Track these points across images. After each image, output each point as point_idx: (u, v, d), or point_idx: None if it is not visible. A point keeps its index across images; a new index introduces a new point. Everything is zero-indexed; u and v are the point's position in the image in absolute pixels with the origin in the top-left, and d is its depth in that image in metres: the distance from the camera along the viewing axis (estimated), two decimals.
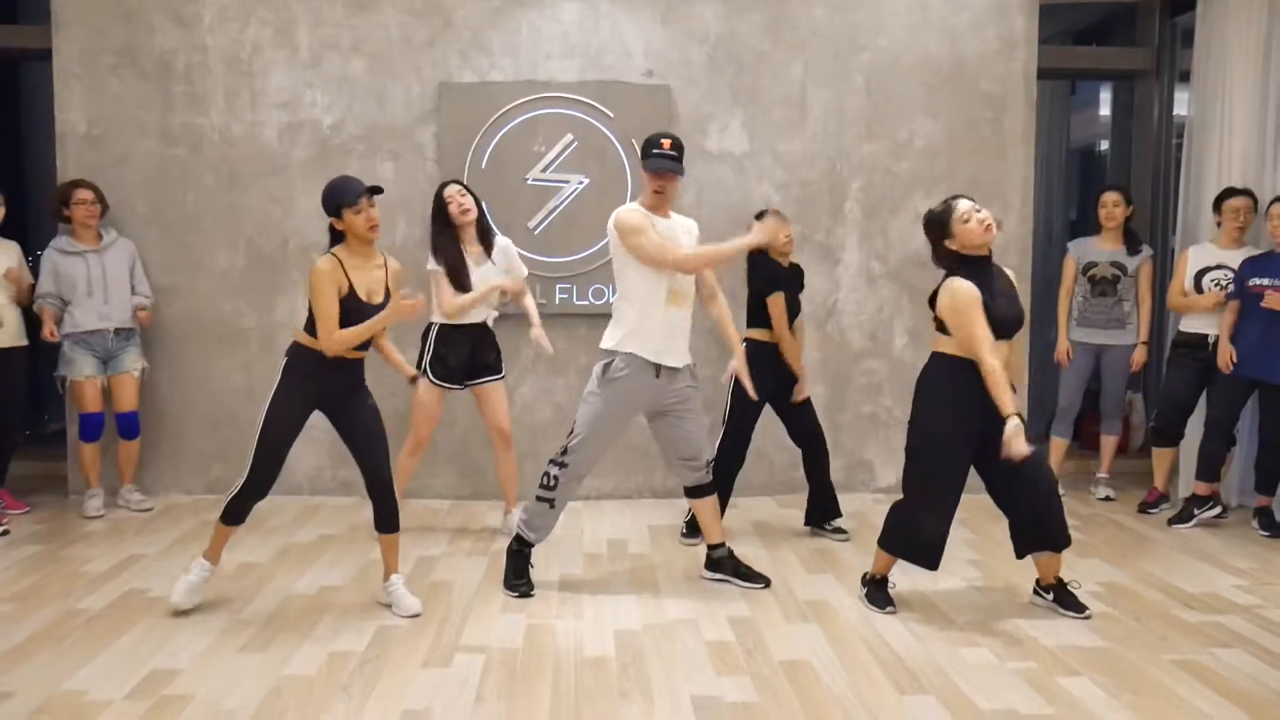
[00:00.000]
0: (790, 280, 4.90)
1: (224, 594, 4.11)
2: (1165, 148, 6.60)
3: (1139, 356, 5.62)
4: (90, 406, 5.31)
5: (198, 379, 5.71)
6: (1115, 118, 7.06)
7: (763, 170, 5.74)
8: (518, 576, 4.19)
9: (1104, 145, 7.63)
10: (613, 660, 3.49)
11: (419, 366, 4.79)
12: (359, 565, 4.53)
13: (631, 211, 4.04)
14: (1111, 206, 5.63)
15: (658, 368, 4.06)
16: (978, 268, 3.74)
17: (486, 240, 4.82)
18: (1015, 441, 3.55)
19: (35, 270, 5.48)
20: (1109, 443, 5.86)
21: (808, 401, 5.00)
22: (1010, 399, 3.62)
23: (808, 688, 3.27)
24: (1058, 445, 5.79)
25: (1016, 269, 5.70)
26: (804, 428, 5.02)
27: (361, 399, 3.94)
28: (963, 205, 3.74)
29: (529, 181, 5.62)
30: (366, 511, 5.34)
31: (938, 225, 3.79)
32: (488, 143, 5.59)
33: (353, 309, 3.74)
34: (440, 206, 4.74)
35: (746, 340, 4.81)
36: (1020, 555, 3.95)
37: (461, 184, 4.83)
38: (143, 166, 5.65)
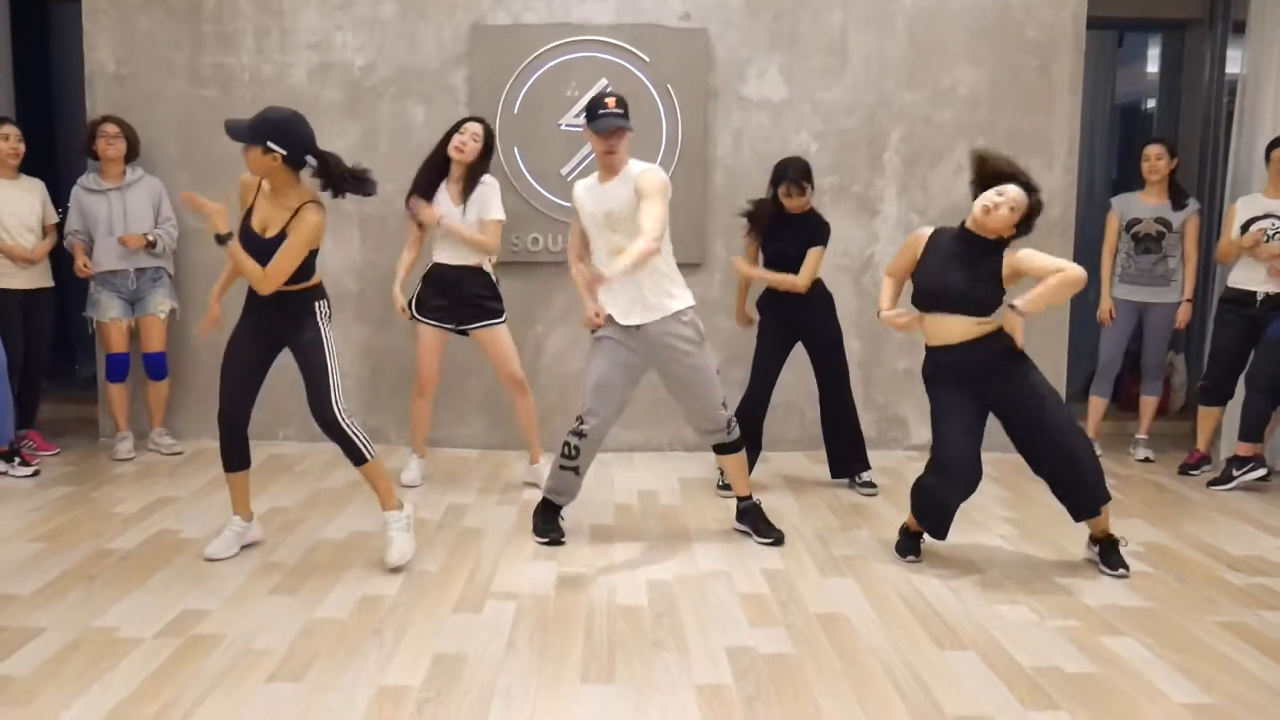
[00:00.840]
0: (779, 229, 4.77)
1: None
2: (1215, 102, 6.41)
3: (1183, 314, 5.48)
4: (116, 347, 5.29)
5: (229, 321, 5.59)
6: (1164, 71, 6.86)
7: (801, 118, 5.60)
8: (548, 524, 4.15)
9: (1150, 103, 7.42)
10: (646, 610, 3.44)
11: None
12: None
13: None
14: (1154, 159, 5.47)
15: (623, 326, 3.98)
16: (966, 240, 3.75)
17: (468, 187, 4.66)
18: None
19: (61, 211, 5.45)
20: (1149, 403, 5.74)
21: (836, 346, 4.87)
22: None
23: (845, 641, 3.21)
24: (1096, 405, 5.67)
25: (1060, 220, 5.59)
26: (825, 373, 4.90)
27: (301, 333, 3.72)
28: (983, 198, 3.71)
29: (562, 127, 5.51)
30: (395, 458, 5.38)
31: (978, 178, 3.83)
32: (520, 87, 5.48)
33: (241, 237, 3.62)
34: (448, 134, 4.67)
35: (767, 290, 4.84)
36: (1077, 519, 3.89)
37: (484, 125, 4.68)
38: (173, 107, 5.58)
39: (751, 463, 4.74)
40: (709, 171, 5.57)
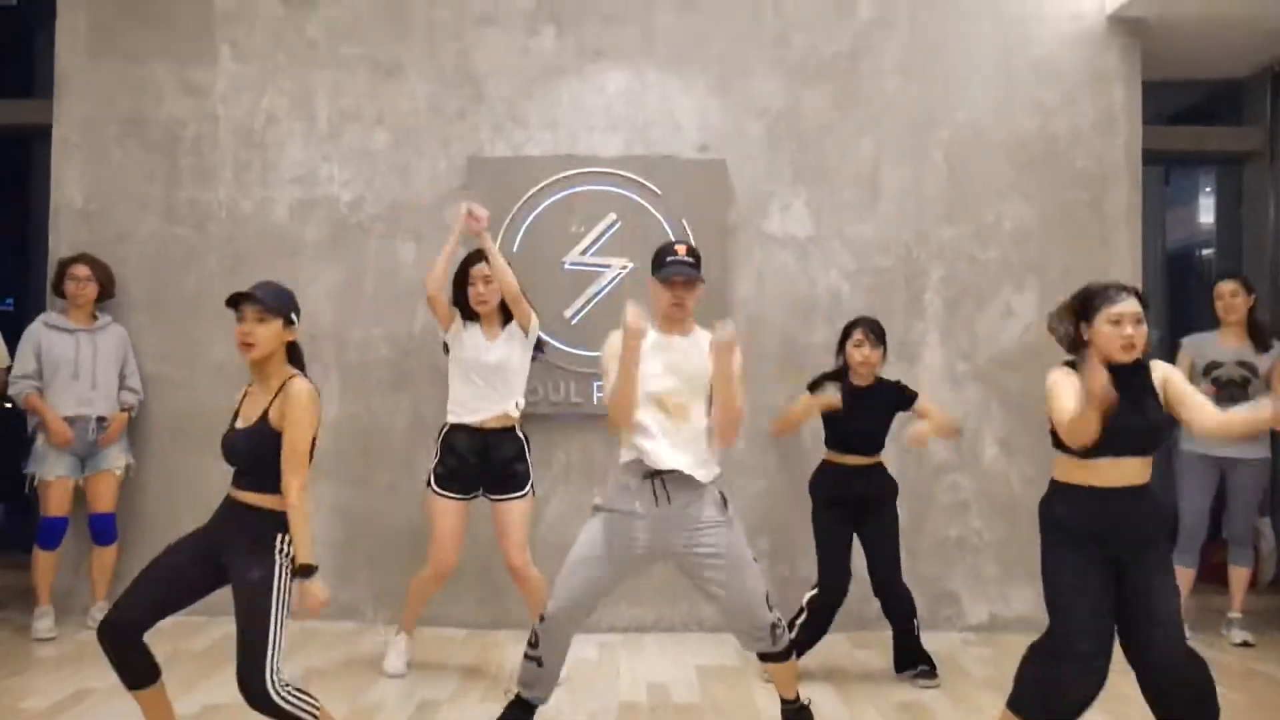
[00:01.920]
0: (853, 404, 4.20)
1: None
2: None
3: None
4: (56, 509, 4.67)
5: (188, 481, 5.03)
6: (1220, 207, 6.36)
7: (830, 255, 5.07)
8: None
9: (1205, 251, 6.91)
10: None
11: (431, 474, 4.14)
12: (355, 704, 3.75)
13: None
14: (1229, 297, 4.89)
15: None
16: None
17: (504, 321, 4.17)
18: None
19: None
20: (1240, 575, 4.97)
21: (890, 531, 4.28)
22: None
23: None
24: (1184, 576, 4.87)
25: None
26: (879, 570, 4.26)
27: (242, 568, 2.94)
28: (1122, 305, 3.01)
29: (566, 266, 4.99)
30: (369, 639, 4.65)
31: (1080, 308, 3.09)
32: (521, 222, 4.99)
33: (222, 439, 3.09)
34: (460, 281, 4.14)
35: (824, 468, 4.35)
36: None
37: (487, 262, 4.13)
38: (142, 245, 5.12)
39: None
40: (730, 314, 4.98)
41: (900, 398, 4.25)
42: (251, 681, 2.85)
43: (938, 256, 5.08)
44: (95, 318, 4.88)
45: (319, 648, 4.54)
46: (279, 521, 2.93)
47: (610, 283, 4.99)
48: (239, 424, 3.06)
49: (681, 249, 3.40)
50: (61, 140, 5.14)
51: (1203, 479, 4.88)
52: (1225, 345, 4.89)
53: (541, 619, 3.37)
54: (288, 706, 2.87)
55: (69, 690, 3.91)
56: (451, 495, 4.11)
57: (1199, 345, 4.96)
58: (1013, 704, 3.14)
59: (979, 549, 5.06)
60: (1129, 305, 3.01)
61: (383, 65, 5.11)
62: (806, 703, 3.54)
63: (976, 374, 5.07)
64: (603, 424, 4.97)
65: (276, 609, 2.90)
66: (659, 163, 5.02)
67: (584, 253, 5.00)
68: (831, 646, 4.70)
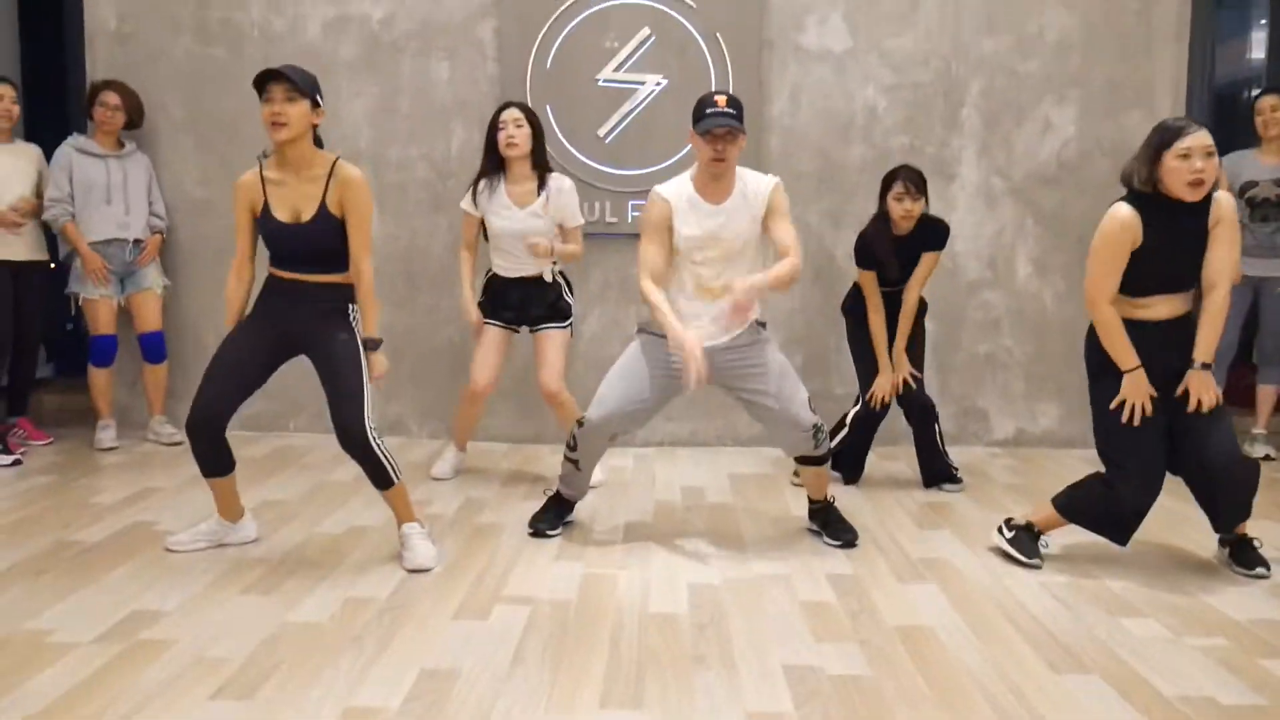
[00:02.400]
0: (884, 256, 4.20)
1: None
2: None
3: None
4: (103, 328, 4.81)
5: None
6: (1274, 24, 6.11)
7: (867, 71, 4.98)
8: (542, 514, 3.65)
9: (1254, 92, 6.65)
10: (686, 619, 2.84)
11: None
12: None
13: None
14: (1270, 112, 4.77)
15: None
16: (1163, 207, 3.04)
17: (541, 178, 4.12)
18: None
19: None
20: (1268, 393, 5.01)
21: (917, 350, 4.33)
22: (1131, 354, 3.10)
23: (933, 660, 2.58)
24: None
25: None
26: (911, 398, 4.31)
27: (331, 337, 3.22)
28: (1191, 139, 2.97)
29: (600, 83, 4.94)
30: (417, 451, 4.85)
31: (1153, 145, 3.05)
32: (554, 39, 4.93)
33: (265, 230, 3.16)
34: (491, 131, 4.10)
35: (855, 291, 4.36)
36: (1219, 530, 3.34)
37: (522, 109, 4.09)
38: (178, 66, 5.12)
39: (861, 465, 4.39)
40: (764, 134, 4.96)
41: (936, 235, 4.22)
42: (353, 426, 3.13)
43: (977, 70, 4.98)
44: (122, 145, 4.93)
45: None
46: (348, 294, 3.21)
47: (645, 99, 4.94)
48: (283, 217, 3.14)
49: (721, 100, 3.27)
50: None
51: (1235, 296, 4.86)
52: (1265, 162, 4.80)
53: (580, 423, 3.51)
54: (379, 453, 3.18)
55: (136, 488, 4.14)
56: (493, 323, 4.21)
57: (1237, 163, 4.86)
58: (1064, 509, 3.27)
59: (1008, 366, 5.12)
60: (1199, 138, 2.98)
61: None
62: (832, 499, 3.68)
63: (1012, 190, 5.03)
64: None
65: (364, 365, 3.17)
66: None
67: (618, 69, 4.94)
68: None
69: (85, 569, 3.15)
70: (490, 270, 4.24)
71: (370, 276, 3.19)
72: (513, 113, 4.07)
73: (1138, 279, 3.10)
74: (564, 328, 4.23)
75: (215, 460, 3.26)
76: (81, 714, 2.22)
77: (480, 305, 4.24)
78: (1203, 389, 3.07)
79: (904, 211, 4.11)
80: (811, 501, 3.70)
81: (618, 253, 5.04)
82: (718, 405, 5.08)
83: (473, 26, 5.02)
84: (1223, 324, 3.13)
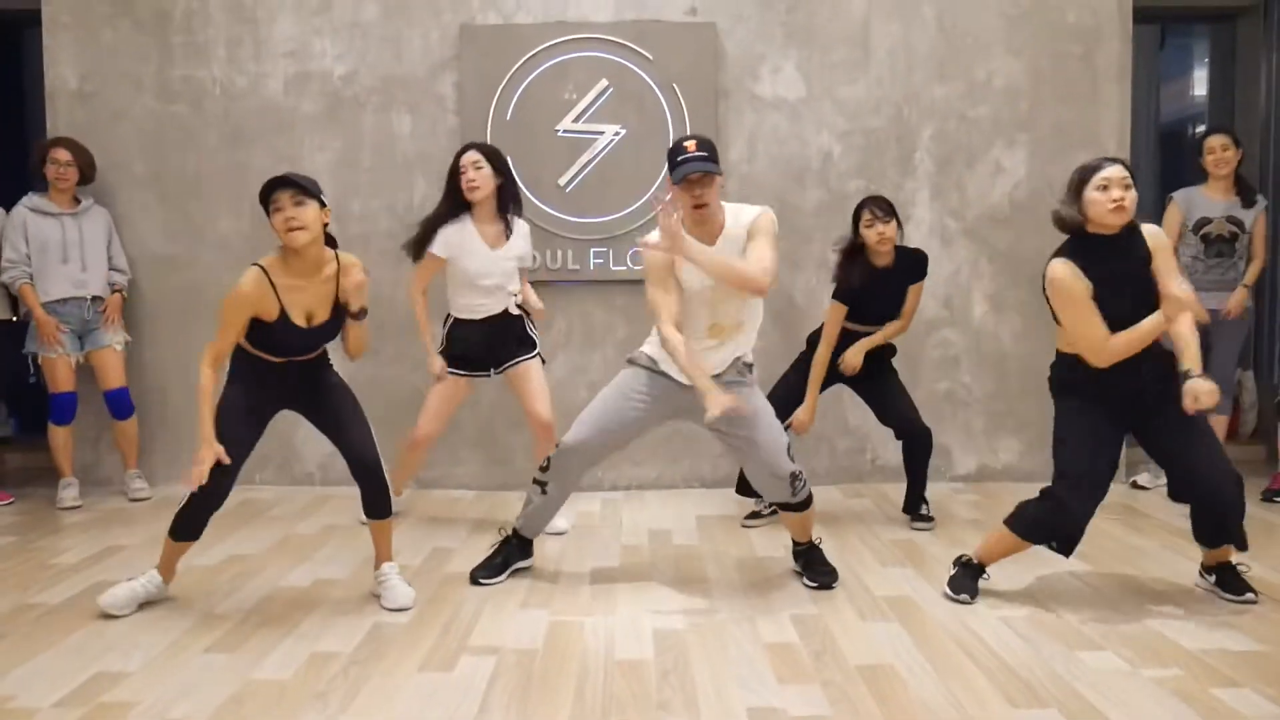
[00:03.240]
0: (863, 287, 4.26)
1: (202, 586, 3.55)
2: (1273, 95, 5.85)
3: (1236, 303, 4.85)
4: (63, 385, 4.79)
5: (197, 352, 5.14)
6: (1214, 73, 6.32)
7: (821, 117, 5.10)
8: (484, 564, 3.66)
9: (1199, 128, 6.85)
10: (651, 664, 2.86)
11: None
12: (364, 558, 3.93)
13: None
14: (1220, 151, 4.91)
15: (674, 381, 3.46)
16: (1094, 247, 3.15)
17: (505, 219, 4.13)
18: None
19: None
20: (1219, 423, 5.10)
21: (893, 385, 4.44)
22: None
23: (893, 698, 2.62)
24: None
25: None
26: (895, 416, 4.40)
27: (325, 387, 3.42)
28: (1108, 171, 3.11)
29: (559, 133, 5.02)
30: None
31: (1075, 182, 3.18)
32: (513, 91, 5.02)
33: (280, 336, 3.20)
34: (452, 176, 4.12)
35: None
36: (1200, 542, 3.41)
37: (482, 149, 4.12)
38: (140, 124, 5.16)
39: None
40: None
41: (916, 266, 4.32)
42: (370, 454, 3.34)
43: (929, 115, 5.11)
44: (78, 201, 4.93)
45: (336, 509, 4.73)
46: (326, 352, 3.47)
47: (604, 149, 5.03)
48: (299, 321, 3.20)
49: (691, 145, 3.27)
50: (52, 21, 5.13)
51: None
52: (1214, 199, 4.94)
53: (557, 446, 3.55)
54: (387, 480, 3.42)
55: (99, 547, 4.11)
56: (459, 373, 4.23)
57: (1189, 199, 5.00)
58: (1013, 524, 3.33)
59: (968, 403, 5.21)
60: (1116, 170, 3.11)
61: None
62: (817, 541, 3.70)
63: (966, 231, 5.14)
64: (600, 289, 5.11)
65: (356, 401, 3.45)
66: (650, 27, 5.01)
67: (576, 120, 5.03)
68: (825, 496, 4.89)
69: (46, 631, 3.13)
70: (451, 317, 4.24)
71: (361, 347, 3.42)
72: (471, 155, 4.07)
73: None
74: (535, 356, 4.26)
75: (198, 528, 3.29)
76: None
77: (443, 354, 4.25)
78: (1198, 390, 3.04)
79: (878, 235, 4.17)
80: (795, 543, 3.72)
81: (579, 300, 5.10)
82: (683, 448, 5.13)
83: (433, 81, 5.10)
84: (1194, 337, 3.16)
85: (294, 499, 4.92)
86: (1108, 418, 3.24)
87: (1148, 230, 3.20)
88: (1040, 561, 3.61)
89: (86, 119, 5.13)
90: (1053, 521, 3.25)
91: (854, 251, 4.26)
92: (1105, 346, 3.12)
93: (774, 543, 4.10)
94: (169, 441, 5.20)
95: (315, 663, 2.87)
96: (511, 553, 3.68)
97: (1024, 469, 5.17)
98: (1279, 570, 3.65)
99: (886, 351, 4.43)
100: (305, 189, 3.09)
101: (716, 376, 3.37)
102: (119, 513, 4.73)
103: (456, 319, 4.23)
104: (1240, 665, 2.79)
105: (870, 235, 4.19)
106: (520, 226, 4.21)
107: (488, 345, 4.21)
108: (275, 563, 3.88)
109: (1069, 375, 3.29)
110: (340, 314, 3.28)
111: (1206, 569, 3.46)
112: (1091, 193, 3.12)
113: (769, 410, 3.52)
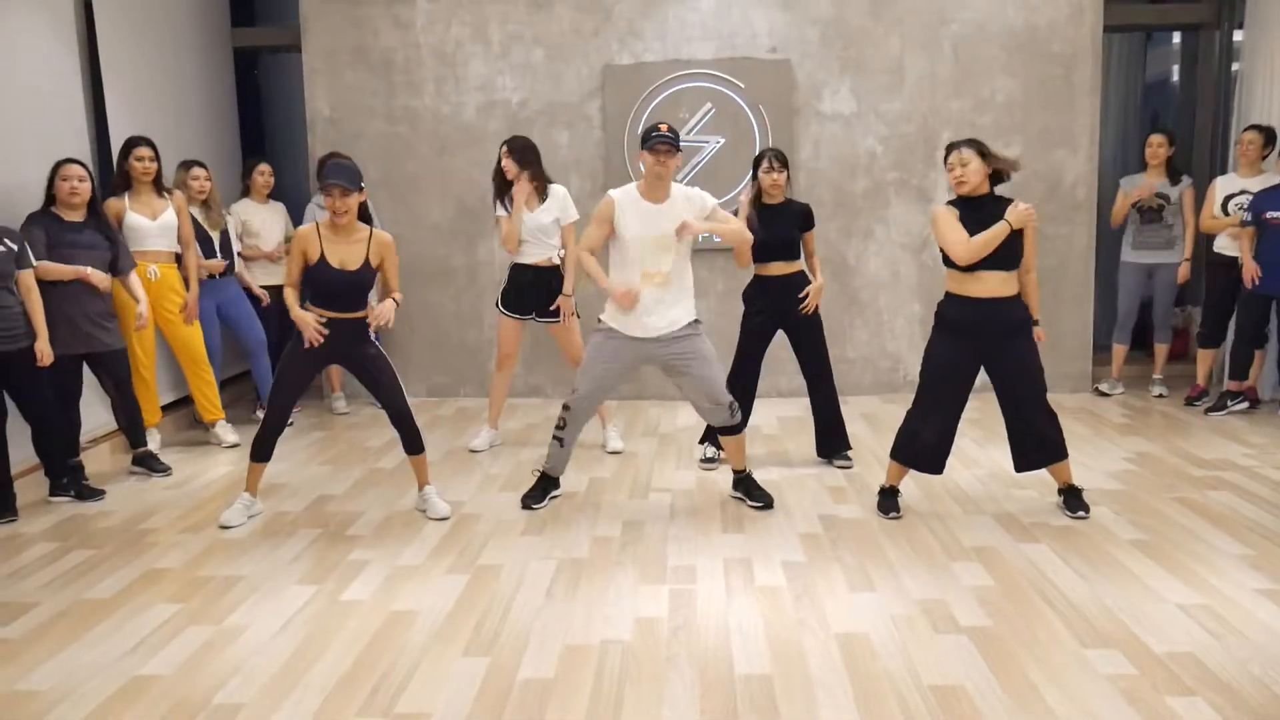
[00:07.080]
0: (768, 218, 4.96)
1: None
2: (1225, 92, 7.51)
3: (1183, 271, 6.67)
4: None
5: (418, 307, 7.27)
6: (1184, 65, 7.96)
7: (867, 126, 6.95)
8: (530, 493, 4.70)
9: (1175, 78, 8.43)
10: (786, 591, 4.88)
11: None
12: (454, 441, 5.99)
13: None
14: (1156, 146, 6.64)
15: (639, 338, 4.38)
16: (969, 204, 4.16)
17: (540, 191, 5.41)
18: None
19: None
20: (1161, 350, 6.95)
21: (816, 336, 5.16)
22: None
23: (862, 667, 4.55)
24: (1118, 351, 6.92)
25: (1085, 200, 6.85)
26: (810, 363, 5.21)
27: (363, 352, 4.44)
28: (953, 156, 4.16)
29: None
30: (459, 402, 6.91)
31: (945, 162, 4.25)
32: (643, 112, 6.93)
33: (320, 274, 4.26)
34: (499, 165, 5.42)
35: (755, 280, 5.13)
36: (1019, 469, 4.45)
37: (506, 145, 5.40)
38: (373, 142, 7.18)
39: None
40: (795, 173, 6.94)
41: (807, 216, 5.03)
42: (403, 408, 4.46)
43: (947, 123, 6.93)
44: None
45: (423, 412, 6.81)
46: (366, 325, 4.44)
47: (708, 154, 6.95)
48: (337, 265, 4.25)
49: (664, 127, 4.25)
50: (309, 67, 7.13)
51: (1133, 279, 6.81)
52: (1149, 180, 6.69)
53: (566, 407, 4.55)
54: (416, 425, 4.56)
55: (383, 440, 6.25)
56: (511, 314, 5.59)
57: (1132, 182, 6.76)
58: (894, 454, 4.45)
59: None
60: (954, 155, 4.12)
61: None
62: (749, 471, 4.70)
63: None
64: (704, 256, 7.05)
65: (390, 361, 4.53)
66: (742, 63, 6.88)
67: (689, 132, 6.93)
68: (868, 402, 6.81)
69: (400, 481, 5.25)
70: (512, 264, 5.54)
71: (400, 296, 4.51)
72: (503, 150, 5.39)
73: None
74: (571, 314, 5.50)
75: (270, 453, 4.48)
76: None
77: (505, 294, 5.62)
78: (1040, 333, 4.21)
79: (771, 181, 4.94)
80: (735, 472, 4.72)
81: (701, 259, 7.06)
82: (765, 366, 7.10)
83: (584, 105, 7.03)
84: (1036, 294, 4.19)
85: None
86: (970, 351, 4.17)
87: (1016, 201, 4.15)
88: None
89: (336, 138, 7.15)
90: (917, 450, 4.28)
91: (757, 197, 5.00)
92: (965, 247, 4.02)
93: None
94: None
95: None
96: (549, 484, 4.75)
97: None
98: (1167, 450, 5.54)
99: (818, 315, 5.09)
100: (351, 186, 4.20)
101: (675, 332, 4.36)
102: (379, 416, 6.84)
103: (513, 263, 5.54)
104: (1102, 497, 4.73)
105: (766, 180, 4.94)
106: (555, 191, 5.48)
107: (535, 289, 5.46)
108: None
109: (948, 308, 4.19)
110: (367, 268, 4.29)
111: (1059, 490, 4.50)
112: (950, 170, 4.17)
113: (713, 353, 4.45)
